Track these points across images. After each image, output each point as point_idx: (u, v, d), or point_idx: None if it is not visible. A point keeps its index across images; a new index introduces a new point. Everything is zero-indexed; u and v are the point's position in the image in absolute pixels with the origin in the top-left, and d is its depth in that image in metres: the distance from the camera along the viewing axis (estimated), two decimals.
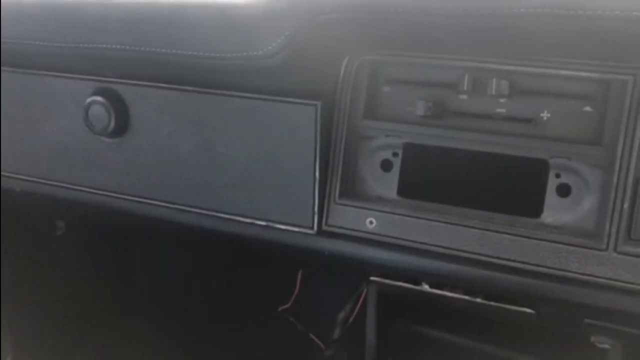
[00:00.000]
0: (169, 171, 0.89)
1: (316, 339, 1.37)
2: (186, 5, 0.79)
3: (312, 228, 0.83)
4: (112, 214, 0.99)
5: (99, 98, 0.90)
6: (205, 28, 0.77)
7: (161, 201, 0.91)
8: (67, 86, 0.93)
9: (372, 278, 0.85)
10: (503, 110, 0.75)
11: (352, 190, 0.83)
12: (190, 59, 0.79)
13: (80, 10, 0.86)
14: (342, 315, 1.26)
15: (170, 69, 0.84)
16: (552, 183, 0.74)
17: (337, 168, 0.81)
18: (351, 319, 1.26)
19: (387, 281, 0.84)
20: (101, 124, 0.91)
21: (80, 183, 0.97)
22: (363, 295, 1.23)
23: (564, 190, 0.73)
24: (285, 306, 1.40)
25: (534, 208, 0.74)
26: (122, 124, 0.90)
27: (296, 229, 0.83)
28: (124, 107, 0.90)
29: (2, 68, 0.96)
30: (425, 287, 0.82)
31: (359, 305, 1.25)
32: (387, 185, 0.82)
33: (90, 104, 0.91)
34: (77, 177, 0.97)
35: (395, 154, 0.81)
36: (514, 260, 0.73)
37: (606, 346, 0.78)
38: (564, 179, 0.73)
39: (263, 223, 0.85)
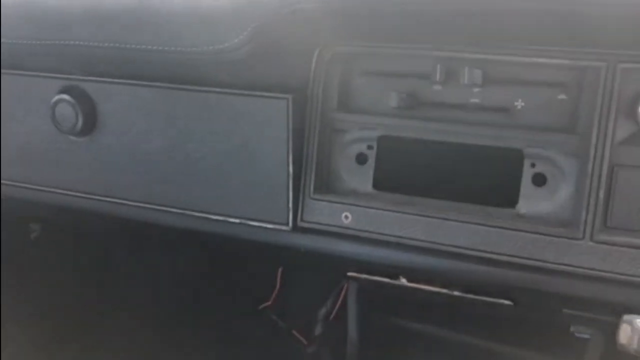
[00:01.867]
0: (139, 169, 0.87)
1: (299, 336, 1.36)
2: None
3: (287, 224, 0.81)
4: (83, 215, 0.97)
5: (65, 96, 0.88)
6: (170, 21, 0.75)
7: (132, 200, 0.89)
8: (33, 85, 0.91)
9: (349, 274, 0.84)
10: (477, 100, 0.74)
11: (327, 185, 0.82)
12: (156, 54, 0.77)
13: (42, 5, 0.83)
14: (323, 311, 1.26)
15: (137, 65, 0.82)
16: (527, 173, 0.73)
17: (311, 162, 0.80)
18: (333, 315, 1.26)
19: (365, 276, 0.83)
20: (68, 122, 0.88)
21: (49, 184, 0.95)
22: (344, 290, 1.22)
23: (539, 180, 0.72)
24: (267, 304, 1.38)
25: (510, 198, 0.73)
26: (89, 123, 0.88)
27: (270, 226, 0.82)
28: (91, 105, 0.88)
29: None
30: (403, 281, 0.81)
31: (340, 300, 1.24)
32: (363, 179, 0.80)
33: (56, 102, 0.88)
34: (46, 178, 0.95)
35: (370, 147, 0.80)
36: (490, 252, 0.72)
37: (586, 335, 0.77)
38: (539, 168, 0.72)
39: (236, 220, 0.83)
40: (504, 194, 0.74)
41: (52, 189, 0.95)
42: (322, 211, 0.80)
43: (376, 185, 0.79)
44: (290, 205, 0.80)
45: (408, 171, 0.78)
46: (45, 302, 1.38)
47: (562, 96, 0.71)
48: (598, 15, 0.62)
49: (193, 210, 0.85)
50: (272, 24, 0.70)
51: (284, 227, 0.81)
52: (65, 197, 0.94)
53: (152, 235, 1.22)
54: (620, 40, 0.65)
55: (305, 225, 0.81)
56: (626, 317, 0.56)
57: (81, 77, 0.88)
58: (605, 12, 0.61)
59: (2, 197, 1.00)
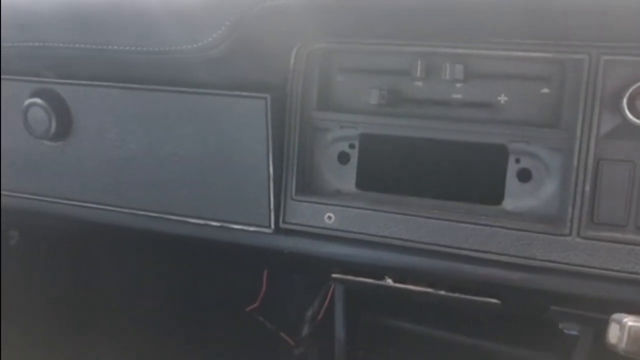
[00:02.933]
0: (116, 174, 0.85)
1: (286, 337, 1.35)
2: None
3: (269, 227, 0.79)
4: (60, 221, 0.95)
5: (37, 100, 0.85)
6: (146, 20, 0.73)
7: (110, 205, 0.86)
8: (4, 89, 0.88)
9: (334, 275, 0.82)
10: (459, 95, 0.73)
11: (309, 185, 0.80)
12: (132, 55, 0.75)
13: (12, 6, 0.81)
14: (310, 312, 1.24)
15: (111, 67, 0.80)
16: (512, 168, 0.71)
17: (292, 163, 0.78)
18: (320, 316, 1.24)
19: (350, 277, 0.82)
20: (42, 127, 0.86)
21: (24, 190, 0.92)
22: (330, 291, 1.21)
23: (524, 176, 0.71)
24: (253, 306, 1.37)
25: (495, 195, 0.72)
26: (64, 127, 0.86)
27: (252, 229, 0.80)
28: (65, 108, 0.85)
29: None
30: (389, 281, 0.80)
31: (327, 301, 1.22)
32: (345, 179, 0.79)
33: (28, 106, 0.86)
34: (21, 184, 0.92)
35: (351, 146, 0.78)
36: (476, 250, 0.71)
37: (574, 332, 0.76)
38: (524, 163, 0.71)
39: (217, 224, 0.81)
40: (489, 191, 0.72)
41: (28, 195, 0.92)
42: (305, 212, 0.78)
43: (359, 184, 0.78)
44: (272, 206, 0.78)
45: (391, 170, 0.76)
46: (27, 308, 1.36)
47: (545, 90, 0.70)
48: (580, 8, 0.60)
49: (172, 215, 0.83)
50: (248, 20, 0.68)
51: (266, 230, 0.79)
52: (41, 203, 0.92)
53: (132, 240, 1.20)
54: (602, 32, 0.64)
55: (288, 226, 0.79)
56: (615, 316, 0.55)
57: (54, 80, 0.85)
58: (586, 4, 0.60)
59: None
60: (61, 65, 0.84)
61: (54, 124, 0.85)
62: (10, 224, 1.30)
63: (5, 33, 0.82)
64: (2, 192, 0.94)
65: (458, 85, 0.72)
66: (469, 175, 0.73)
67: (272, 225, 0.79)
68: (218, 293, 1.43)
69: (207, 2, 0.69)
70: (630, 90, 0.63)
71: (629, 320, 0.53)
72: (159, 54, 0.73)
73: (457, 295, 0.76)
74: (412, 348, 1.14)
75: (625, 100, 0.64)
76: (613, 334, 0.54)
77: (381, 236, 0.75)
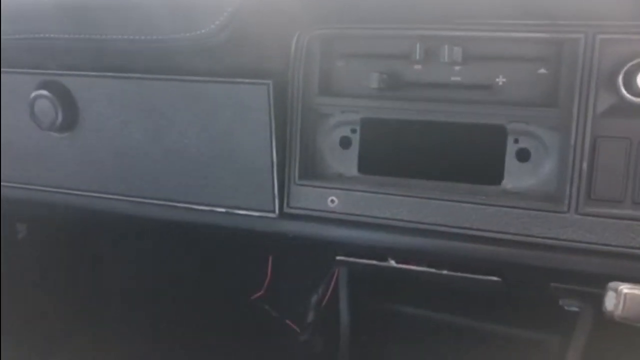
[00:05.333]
0: (122, 163, 0.86)
1: (292, 324, 1.36)
2: None
3: (273, 211, 0.81)
4: (69, 212, 0.96)
5: (44, 92, 0.86)
6: (144, 9, 0.74)
7: (116, 194, 0.88)
8: (9, 81, 0.89)
9: (337, 257, 0.84)
10: (458, 78, 0.74)
11: (312, 170, 0.81)
12: (132, 44, 0.76)
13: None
14: (315, 298, 1.25)
15: (114, 56, 0.81)
16: (511, 148, 0.73)
17: (294, 148, 0.79)
18: (325, 302, 1.26)
19: (353, 259, 0.83)
20: (48, 118, 0.87)
21: (32, 182, 0.94)
22: (335, 276, 1.22)
23: (523, 155, 0.72)
24: (259, 293, 1.38)
25: (495, 175, 0.73)
26: (70, 117, 0.87)
27: (257, 214, 0.81)
28: (71, 99, 0.87)
29: None
30: (392, 262, 0.81)
31: (331, 287, 1.24)
32: (347, 163, 0.80)
33: (35, 98, 0.87)
34: (29, 176, 0.93)
35: (353, 130, 0.79)
36: (477, 229, 0.72)
37: (575, 308, 0.78)
38: (523, 143, 0.72)
39: (222, 210, 0.83)
40: (488, 171, 0.74)
41: (36, 187, 0.93)
42: (308, 196, 0.79)
43: (361, 168, 0.79)
44: (276, 191, 0.80)
45: (392, 153, 0.77)
46: (36, 301, 1.37)
47: (542, 70, 0.71)
48: None
49: (178, 202, 0.85)
50: (248, 8, 0.69)
51: (270, 215, 0.81)
52: (49, 194, 0.93)
53: (139, 229, 1.22)
54: (598, 11, 0.65)
55: (292, 211, 0.80)
56: (611, 284, 0.56)
57: (59, 72, 0.87)
58: None
59: None
60: (64, 56, 0.85)
61: (60, 116, 0.86)
62: (17, 217, 1.32)
63: (7, 25, 0.83)
64: (9, 185, 0.96)
65: (457, 67, 0.73)
66: (468, 156, 0.74)
67: (277, 210, 0.80)
68: (223, 281, 1.45)
69: None
70: (626, 68, 0.64)
71: (625, 288, 0.54)
72: (158, 43, 0.74)
73: (459, 274, 0.77)
74: (416, 333, 1.16)
75: (621, 78, 0.65)
76: (609, 302, 0.55)
77: (384, 218, 0.76)
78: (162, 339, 1.40)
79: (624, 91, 0.65)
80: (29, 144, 0.92)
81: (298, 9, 0.72)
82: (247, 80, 0.76)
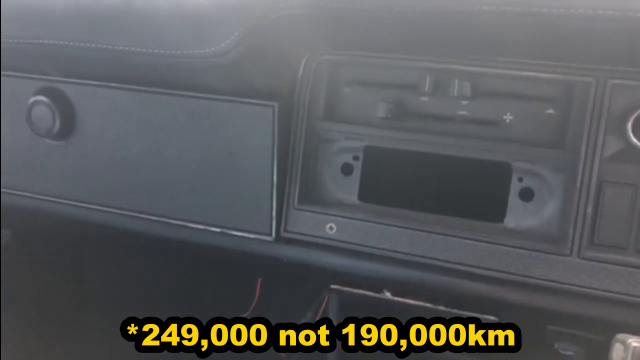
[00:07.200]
0: (117, 175, 0.84)
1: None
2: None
3: (270, 234, 0.79)
4: (58, 221, 0.94)
5: (42, 98, 0.85)
6: (154, 22, 0.73)
7: (109, 207, 0.86)
8: (8, 85, 0.88)
9: (332, 286, 0.82)
10: (465, 112, 0.73)
11: (312, 195, 0.80)
12: (139, 56, 0.75)
13: (25, 3, 0.80)
14: (303, 322, 1.23)
15: (118, 67, 0.80)
16: (514, 187, 0.72)
17: (296, 172, 0.78)
18: None
19: (348, 289, 0.81)
20: (45, 125, 0.85)
21: (23, 188, 0.92)
22: (324, 302, 1.20)
23: (526, 194, 0.72)
24: (244, 315, 1.36)
25: (497, 212, 0.72)
26: (67, 126, 0.85)
27: (253, 236, 0.80)
28: (69, 107, 0.85)
29: None
30: (387, 294, 0.80)
31: (320, 312, 1.22)
32: (348, 190, 0.79)
33: (33, 104, 0.85)
34: (20, 182, 0.91)
35: (356, 158, 0.78)
36: (476, 267, 0.71)
37: (570, 353, 0.76)
38: (527, 182, 0.72)
39: (217, 229, 0.81)
40: (491, 208, 0.73)
41: (27, 194, 0.91)
42: (307, 222, 0.78)
43: (362, 196, 0.78)
44: (274, 214, 0.78)
45: (394, 183, 0.76)
46: (19, 309, 1.34)
47: (550, 111, 0.70)
48: (588, 31, 0.61)
49: (172, 218, 0.83)
50: (259, 28, 0.68)
51: (266, 238, 0.79)
52: (39, 202, 0.91)
53: (130, 243, 1.19)
54: (610, 56, 0.65)
55: (289, 235, 0.79)
56: (619, 336, 0.55)
57: (60, 79, 0.85)
58: (595, 28, 0.61)
59: None
60: (68, 63, 0.84)
61: (57, 123, 0.84)
62: (3, 222, 1.29)
63: (15, 29, 0.82)
64: (1, 190, 0.93)
65: (464, 102, 0.73)
66: (471, 191, 0.73)
67: (273, 234, 0.79)
68: (210, 301, 1.42)
69: (221, 8, 0.69)
70: (635, 114, 0.64)
71: (634, 341, 0.53)
72: (170, 57, 0.73)
73: (455, 310, 0.76)
74: None
75: (630, 124, 0.65)
76: (617, 355, 0.54)
77: (382, 249, 0.75)
78: (145, 355, 1.37)
79: (632, 137, 0.65)
80: (23, 149, 0.90)
81: (308, 33, 0.72)
82: (253, 101, 0.75)
